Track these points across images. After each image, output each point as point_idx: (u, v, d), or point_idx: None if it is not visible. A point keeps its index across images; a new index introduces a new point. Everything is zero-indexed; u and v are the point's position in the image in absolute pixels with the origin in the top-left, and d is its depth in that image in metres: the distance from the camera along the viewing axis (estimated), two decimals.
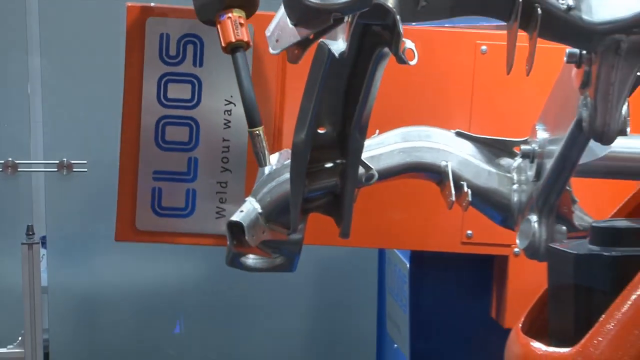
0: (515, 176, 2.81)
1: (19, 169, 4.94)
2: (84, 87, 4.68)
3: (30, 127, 5.06)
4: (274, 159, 2.88)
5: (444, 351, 3.77)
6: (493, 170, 2.82)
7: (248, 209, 2.67)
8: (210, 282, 5.24)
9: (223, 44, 2.91)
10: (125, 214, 3.10)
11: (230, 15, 2.98)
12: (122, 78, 3.10)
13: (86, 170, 4.87)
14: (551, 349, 1.95)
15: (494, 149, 2.87)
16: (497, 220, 2.83)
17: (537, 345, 2.01)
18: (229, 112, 3.07)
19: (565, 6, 2.22)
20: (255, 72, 3.05)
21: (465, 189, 2.69)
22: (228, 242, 2.70)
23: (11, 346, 4.77)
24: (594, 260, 2.00)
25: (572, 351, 1.87)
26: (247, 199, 2.74)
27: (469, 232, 3.23)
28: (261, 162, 2.87)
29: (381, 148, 2.80)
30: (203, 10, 3.04)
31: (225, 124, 3.09)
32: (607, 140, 2.33)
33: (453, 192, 2.70)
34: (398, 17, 2.15)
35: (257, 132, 2.89)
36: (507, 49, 2.25)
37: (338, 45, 2.30)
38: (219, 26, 2.98)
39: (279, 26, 2.32)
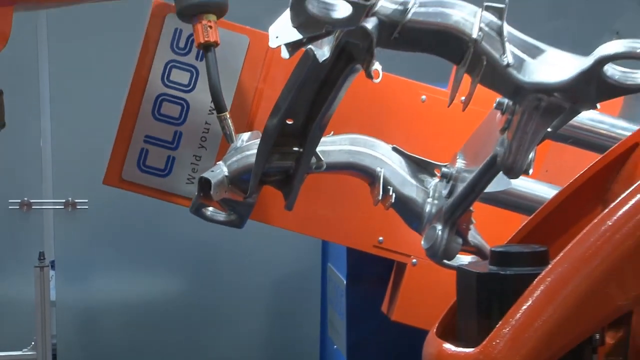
0: (430, 192, 2.95)
1: (32, 207, 5.16)
2: (85, 141, 4.82)
3: (42, 173, 5.26)
4: (246, 136, 3.02)
5: (375, 351, 4.12)
6: (415, 183, 2.97)
7: (217, 171, 2.84)
8: (185, 296, 5.44)
9: (196, 44, 3.12)
10: (116, 165, 3.24)
11: (202, 20, 3.14)
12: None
13: (87, 207, 5.11)
14: (459, 349, 2.02)
15: (419, 167, 3.04)
16: (411, 224, 2.99)
17: (448, 346, 2.06)
18: None
19: (505, 62, 2.37)
20: (243, 77, 3.31)
21: (391, 193, 2.86)
22: (196, 194, 2.94)
23: (25, 350, 4.99)
24: (493, 278, 2.04)
25: (476, 351, 1.95)
26: (218, 162, 2.93)
27: (381, 238, 3.38)
28: (229, 140, 3.09)
29: (332, 146, 2.96)
30: (181, 14, 3.19)
31: (210, 110, 3.24)
32: (514, 174, 2.50)
33: (381, 193, 2.87)
34: (375, 40, 2.31)
35: (224, 116, 3.09)
36: (452, 87, 2.40)
37: (323, 52, 2.43)
38: (193, 29, 3.16)
39: (281, 25, 2.42)
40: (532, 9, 6.05)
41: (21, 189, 5.19)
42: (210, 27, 3.18)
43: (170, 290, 5.49)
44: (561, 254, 1.89)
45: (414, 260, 3.37)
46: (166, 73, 3.23)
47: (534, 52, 2.48)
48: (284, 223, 3.40)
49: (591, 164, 2.40)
